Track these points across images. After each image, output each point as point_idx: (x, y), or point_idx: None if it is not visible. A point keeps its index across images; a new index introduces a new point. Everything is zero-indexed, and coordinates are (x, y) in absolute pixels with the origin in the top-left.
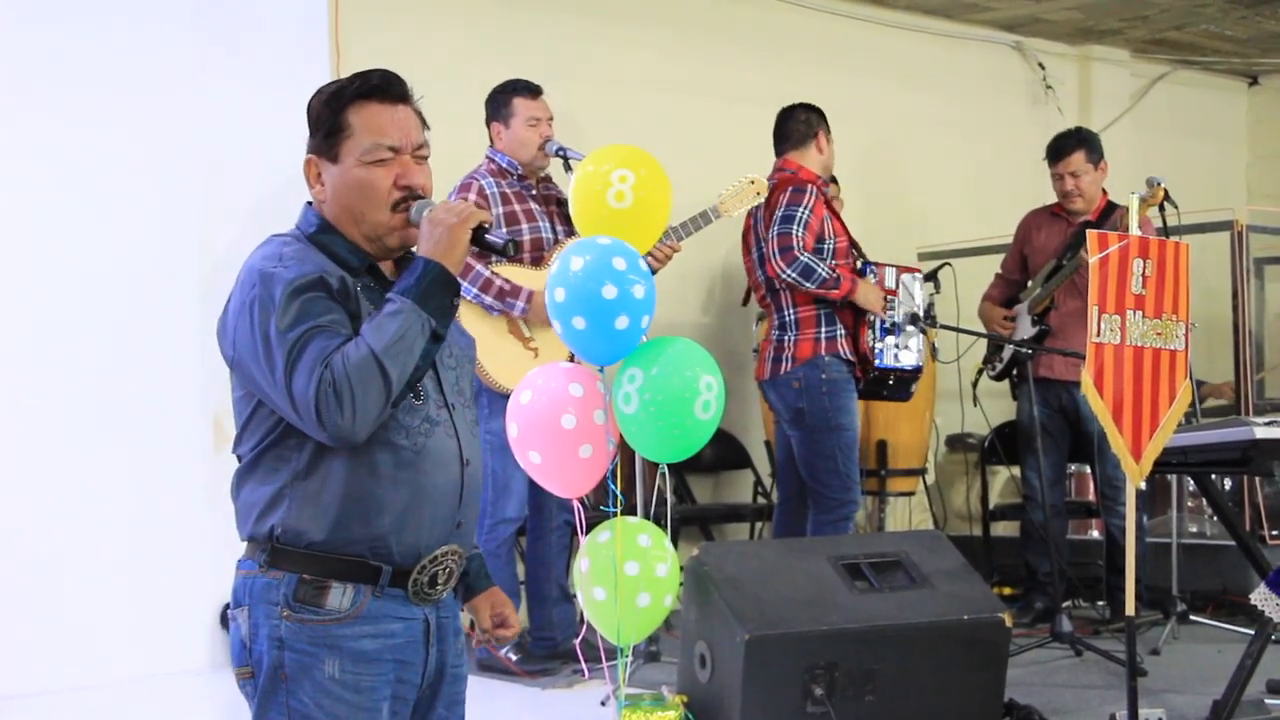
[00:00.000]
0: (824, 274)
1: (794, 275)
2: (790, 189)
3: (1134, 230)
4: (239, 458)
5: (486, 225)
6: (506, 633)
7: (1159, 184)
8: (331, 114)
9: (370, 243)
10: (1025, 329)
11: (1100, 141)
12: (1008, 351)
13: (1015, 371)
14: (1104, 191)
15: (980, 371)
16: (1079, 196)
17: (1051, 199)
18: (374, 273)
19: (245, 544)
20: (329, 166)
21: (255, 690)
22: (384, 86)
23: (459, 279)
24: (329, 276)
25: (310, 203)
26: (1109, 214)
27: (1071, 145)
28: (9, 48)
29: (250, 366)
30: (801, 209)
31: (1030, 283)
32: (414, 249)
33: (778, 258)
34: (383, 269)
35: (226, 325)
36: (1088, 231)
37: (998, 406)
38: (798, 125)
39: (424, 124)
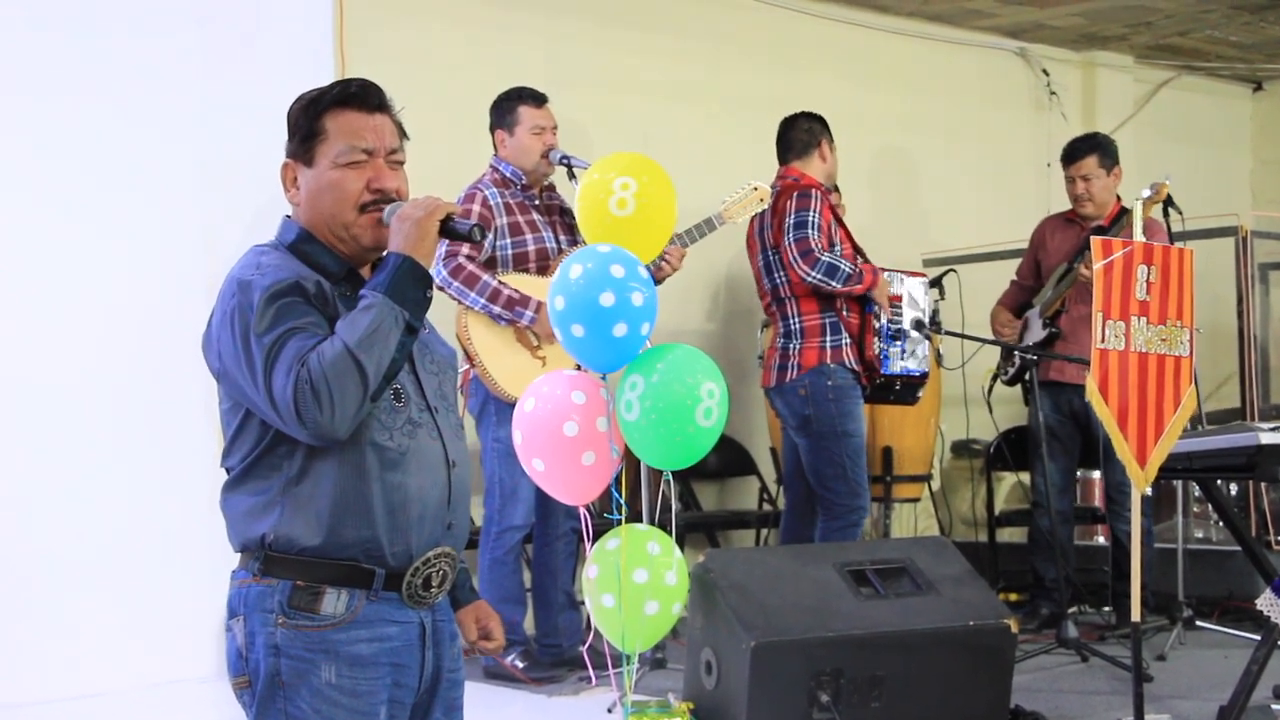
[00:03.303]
0: (847, 270)
1: (819, 276)
2: (795, 194)
3: (1138, 228)
4: (227, 470)
5: (454, 215)
6: (490, 645)
7: (1164, 182)
8: (308, 119)
9: (344, 244)
10: (1036, 332)
11: (1116, 148)
12: (1019, 357)
13: (1028, 376)
14: (1118, 198)
15: (994, 377)
16: (1089, 201)
17: (1056, 205)
18: (352, 279)
19: (239, 554)
20: (304, 170)
21: (253, 699)
22: (361, 94)
23: (469, 287)
24: (305, 281)
25: (289, 216)
26: (1120, 219)
27: (1085, 149)
28: (11, 51)
29: (235, 374)
30: (810, 213)
31: (1044, 287)
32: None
33: (799, 263)
34: (363, 275)
35: (211, 338)
36: (1092, 238)
37: (1008, 412)
38: (800, 134)
39: (403, 134)
